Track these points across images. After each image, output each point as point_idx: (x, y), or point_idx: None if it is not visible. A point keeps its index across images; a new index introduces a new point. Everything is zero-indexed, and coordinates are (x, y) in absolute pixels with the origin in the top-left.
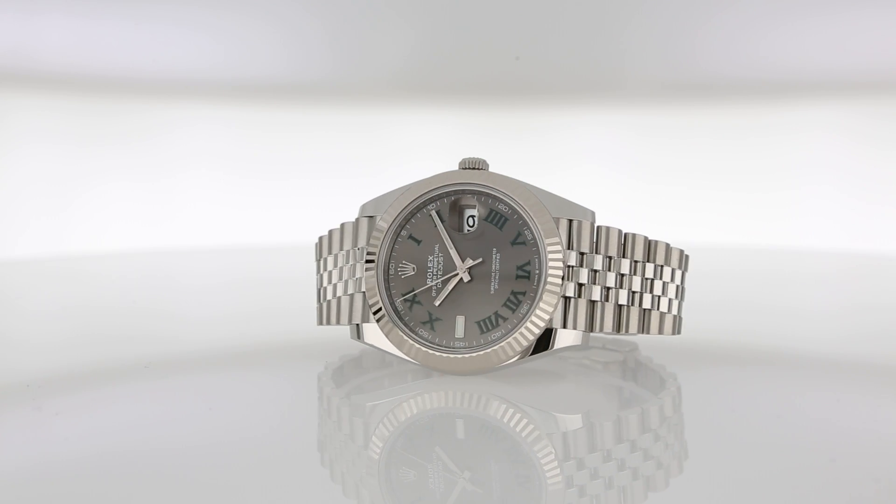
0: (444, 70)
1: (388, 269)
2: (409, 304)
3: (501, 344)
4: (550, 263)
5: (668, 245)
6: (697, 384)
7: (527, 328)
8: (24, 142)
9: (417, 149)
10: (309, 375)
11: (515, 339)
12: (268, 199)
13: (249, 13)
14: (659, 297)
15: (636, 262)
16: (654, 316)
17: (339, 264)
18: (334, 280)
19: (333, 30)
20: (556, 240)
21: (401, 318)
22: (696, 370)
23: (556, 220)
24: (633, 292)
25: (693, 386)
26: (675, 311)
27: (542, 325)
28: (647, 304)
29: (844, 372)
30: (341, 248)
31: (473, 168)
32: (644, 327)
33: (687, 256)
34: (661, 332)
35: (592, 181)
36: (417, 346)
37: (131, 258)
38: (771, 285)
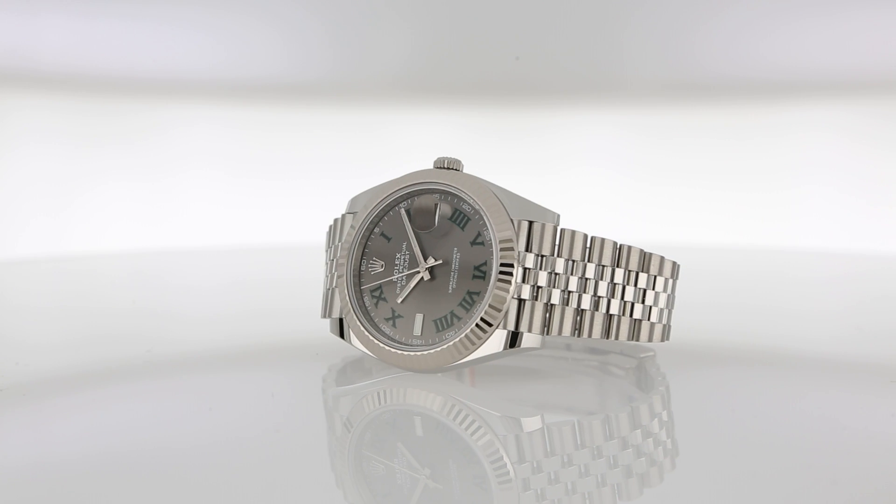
0: (443, 70)
1: (360, 265)
2: (375, 300)
3: (453, 342)
4: (501, 265)
5: (643, 251)
6: (697, 384)
7: (476, 329)
8: (24, 142)
9: (417, 149)
10: (309, 375)
11: (467, 338)
12: (268, 199)
13: (249, 13)
14: (631, 303)
15: (603, 266)
16: (624, 322)
17: (331, 258)
18: (326, 273)
19: (333, 30)
20: (510, 241)
21: (367, 314)
22: (694, 370)
23: (518, 223)
24: (598, 297)
25: (692, 386)
26: (655, 318)
27: (492, 325)
28: (613, 309)
29: (844, 371)
30: (332, 243)
31: (445, 167)
32: (610, 333)
33: (673, 264)
34: (633, 338)
35: (592, 181)
36: (377, 342)
37: (131, 258)
38: (770, 285)
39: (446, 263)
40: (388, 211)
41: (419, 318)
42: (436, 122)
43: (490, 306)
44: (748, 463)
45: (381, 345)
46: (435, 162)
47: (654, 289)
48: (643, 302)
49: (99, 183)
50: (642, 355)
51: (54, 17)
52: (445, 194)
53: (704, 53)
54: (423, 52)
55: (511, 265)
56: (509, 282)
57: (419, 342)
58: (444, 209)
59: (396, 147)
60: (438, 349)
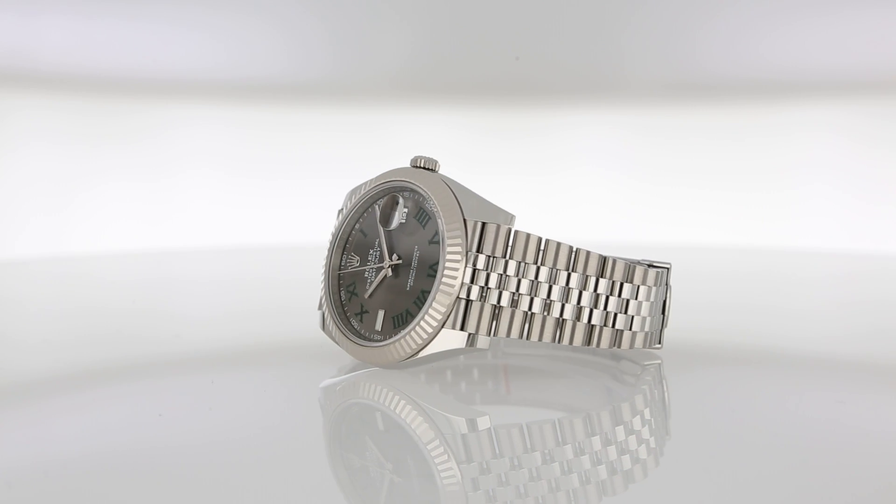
0: (444, 70)
1: (341, 260)
2: (349, 294)
3: (401, 340)
4: (447, 265)
5: (602, 256)
6: (695, 384)
7: (420, 327)
8: (24, 142)
9: (417, 149)
10: (309, 374)
11: (411, 336)
12: (268, 199)
13: (249, 13)
14: (590, 309)
15: (557, 270)
16: (579, 328)
17: None
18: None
19: (334, 30)
20: (457, 241)
21: (341, 308)
22: (693, 370)
23: (471, 223)
24: (550, 301)
25: (690, 386)
26: (620, 325)
27: (435, 324)
28: (566, 314)
29: (843, 371)
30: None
31: (418, 167)
32: (562, 338)
33: (645, 270)
34: (590, 343)
35: (592, 181)
36: (344, 335)
37: (131, 258)
38: (770, 285)
39: (407, 261)
40: (368, 207)
41: (381, 314)
42: (436, 122)
43: (434, 305)
44: (746, 463)
45: (347, 338)
46: (411, 160)
47: (617, 294)
48: (598, 307)
49: (99, 183)
50: (646, 363)
51: (54, 17)
52: (413, 192)
53: (704, 53)
54: (423, 52)
55: (457, 265)
56: (454, 282)
57: (378, 337)
58: (410, 208)
59: (396, 147)
60: (389, 345)
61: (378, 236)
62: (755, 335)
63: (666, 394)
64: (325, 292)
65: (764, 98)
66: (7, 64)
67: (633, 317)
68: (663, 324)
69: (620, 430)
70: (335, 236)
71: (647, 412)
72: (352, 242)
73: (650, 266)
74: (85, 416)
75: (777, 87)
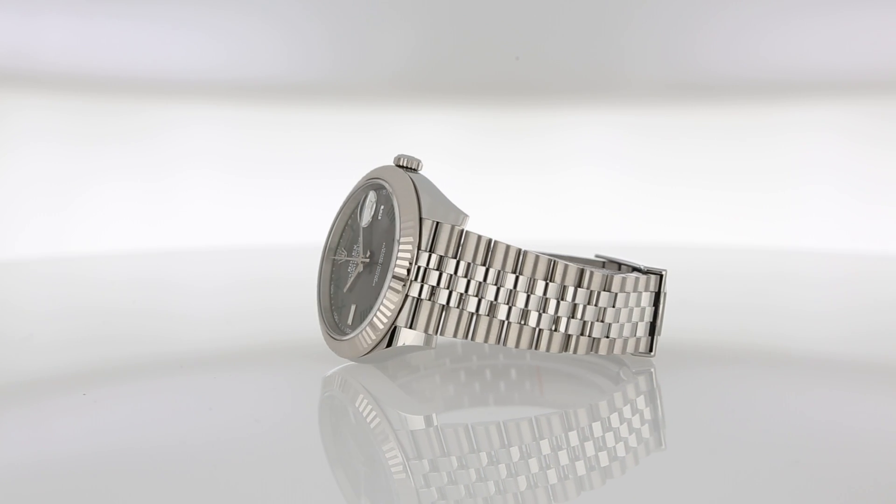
0: (444, 70)
1: (334, 254)
2: (336, 289)
3: (359, 335)
4: (398, 262)
5: (551, 259)
6: (694, 383)
7: (372, 323)
8: (24, 142)
9: (417, 149)
10: (309, 374)
11: (367, 331)
12: (268, 199)
13: (249, 13)
14: (527, 310)
15: (504, 272)
16: (525, 331)
17: None
18: None
19: (334, 30)
20: (408, 240)
21: (329, 302)
22: (693, 370)
23: (427, 223)
24: (496, 303)
25: (688, 385)
26: (573, 330)
27: (385, 321)
28: (512, 317)
29: (844, 371)
30: None
31: (399, 165)
32: (507, 339)
33: (604, 276)
34: (537, 347)
35: (592, 181)
36: (325, 327)
37: (131, 258)
38: (770, 285)
39: (377, 257)
40: (357, 203)
41: (353, 308)
42: (436, 122)
43: (384, 302)
44: (746, 461)
45: (324, 331)
46: (393, 159)
47: (564, 299)
48: (543, 311)
49: (99, 183)
50: (635, 370)
51: (54, 17)
52: (386, 190)
53: (704, 53)
54: (423, 52)
55: (406, 263)
56: (402, 280)
57: (349, 331)
58: (385, 205)
59: (396, 147)
60: (352, 339)
61: (360, 233)
62: (755, 335)
63: (659, 400)
64: (318, 287)
65: (764, 98)
66: (7, 64)
67: (587, 322)
68: (653, 331)
69: (598, 426)
70: (331, 233)
71: (628, 410)
72: (344, 237)
73: (635, 270)
74: (84, 416)
75: (777, 87)
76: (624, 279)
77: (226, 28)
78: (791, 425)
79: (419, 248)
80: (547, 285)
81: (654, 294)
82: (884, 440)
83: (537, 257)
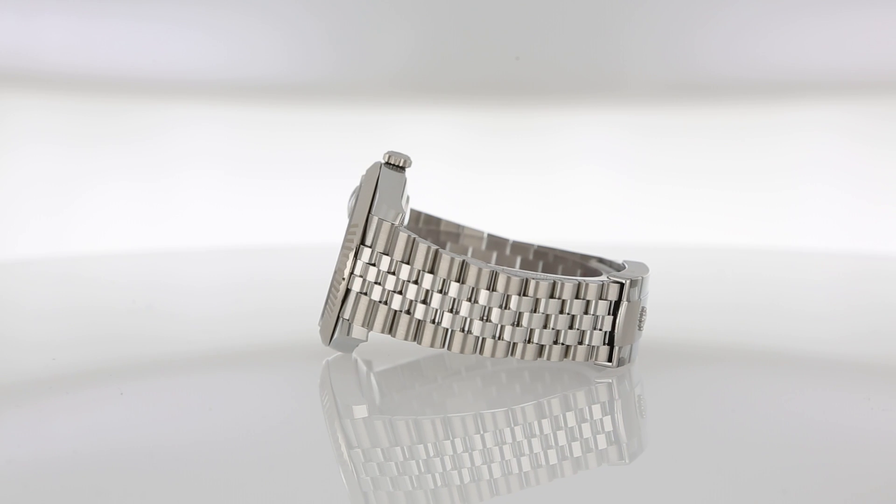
0: (444, 70)
1: None
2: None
3: (320, 326)
4: (340, 256)
5: (464, 261)
6: (695, 382)
7: (324, 316)
8: (24, 142)
9: (417, 149)
10: (310, 374)
11: (323, 322)
12: (268, 199)
13: (249, 13)
14: (442, 311)
15: (419, 270)
16: (428, 329)
17: None
18: None
19: (334, 30)
20: (352, 236)
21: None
22: (692, 369)
23: (374, 219)
24: (411, 300)
25: (686, 384)
26: (487, 333)
27: (334, 314)
28: (429, 316)
29: (843, 371)
30: None
31: (387, 163)
32: (422, 338)
33: (522, 281)
34: (448, 348)
35: (592, 181)
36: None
37: (131, 258)
38: (770, 285)
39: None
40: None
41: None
42: (436, 122)
43: (329, 296)
44: (746, 460)
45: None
46: (383, 155)
47: (476, 301)
48: (457, 313)
49: (99, 183)
50: (598, 380)
51: (54, 17)
52: (357, 187)
53: (704, 53)
54: (423, 52)
55: (346, 258)
56: (340, 275)
57: (320, 321)
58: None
59: (396, 147)
60: (319, 330)
61: None
62: (755, 335)
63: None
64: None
65: (764, 98)
66: (7, 64)
67: (499, 326)
68: (612, 341)
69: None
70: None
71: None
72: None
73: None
74: (85, 415)
75: (777, 87)
76: (578, 285)
77: (226, 28)
78: (790, 426)
79: (362, 244)
80: (459, 287)
81: (611, 303)
82: (884, 440)
83: (452, 259)
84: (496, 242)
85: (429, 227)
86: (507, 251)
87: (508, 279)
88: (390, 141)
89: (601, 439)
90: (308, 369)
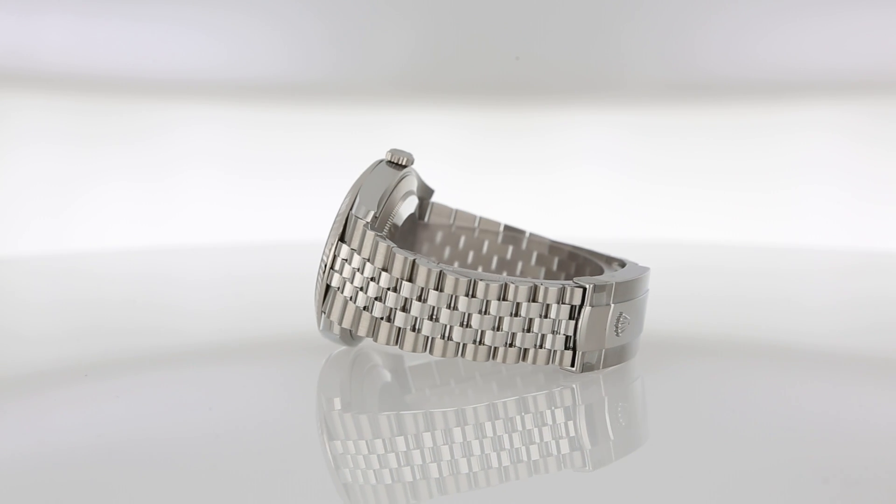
0: (444, 70)
1: None
2: None
3: (321, 320)
4: (322, 253)
5: (412, 260)
6: (694, 379)
7: (318, 310)
8: (24, 142)
9: (418, 149)
10: (308, 370)
11: (317, 316)
12: (268, 198)
13: (249, 13)
14: (394, 309)
15: (381, 269)
16: (384, 328)
17: None
18: None
19: (334, 29)
20: (332, 233)
21: None
22: (692, 366)
23: (352, 217)
24: (372, 298)
25: (688, 382)
26: (437, 333)
27: (317, 308)
28: (378, 312)
29: (843, 367)
30: None
31: (389, 161)
32: (376, 335)
33: (470, 282)
34: (399, 346)
35: (592, 181)
36: None
37: (131, 257)
38: (771, 284)
39: None
40: None
41: None
42: (436, 122)
43: (316, 290)
44: (746, 455)
45: None
46: (386, 153)
47: (425, 301)
48: (406, 311)
49: (99, 183)
50: (561, 385)
51: (54, 17)
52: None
53: (704, 53)
54: (424, 52)
55: (325, 254)
56: (320, 271)
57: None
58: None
59: (396, 147)
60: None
61: None
62: (756, 329)
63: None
64: None
65: (764, 98)
66: (7, 64)
67: (448, 326)
68: (575, 346)
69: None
70: None
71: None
72: None
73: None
74: (85, 409)
75: (777, 87)
76: (533, 288)
77: (226, 28)
78: (791, 418)
79: (340, 240)
80: (411, 287)
81: (572, 307)
82: (882, 433)
83: (405, 258)
84: (513, 237)
85: (460, 222)
86: (524, 245)
87: (456, 280)
88: (390, 141)
89: (563, 444)
90: (308, 364)
